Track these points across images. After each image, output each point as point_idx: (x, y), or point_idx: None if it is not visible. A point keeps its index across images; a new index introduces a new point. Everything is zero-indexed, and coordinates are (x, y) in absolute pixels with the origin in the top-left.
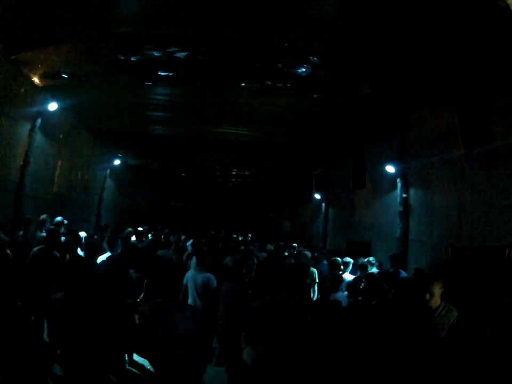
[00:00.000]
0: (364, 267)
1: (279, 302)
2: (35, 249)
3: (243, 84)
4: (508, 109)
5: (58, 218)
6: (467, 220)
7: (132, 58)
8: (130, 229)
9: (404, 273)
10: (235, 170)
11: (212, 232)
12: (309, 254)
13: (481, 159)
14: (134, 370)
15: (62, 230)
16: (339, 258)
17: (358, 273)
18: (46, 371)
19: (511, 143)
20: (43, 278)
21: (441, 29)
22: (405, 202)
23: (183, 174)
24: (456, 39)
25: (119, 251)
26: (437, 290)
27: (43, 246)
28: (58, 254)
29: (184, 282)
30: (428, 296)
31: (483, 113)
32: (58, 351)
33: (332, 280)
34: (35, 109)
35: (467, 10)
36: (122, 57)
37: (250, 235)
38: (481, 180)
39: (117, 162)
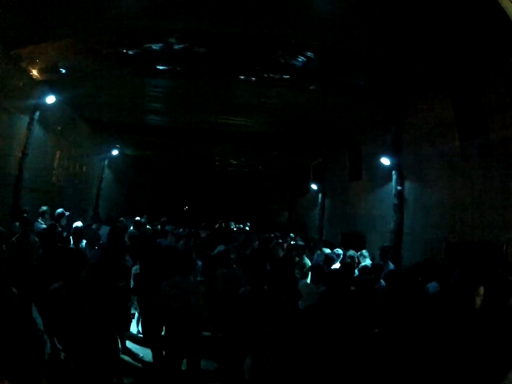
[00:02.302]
0: (352, 259)
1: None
2: (13, 238)
3: (242, 77)
4: (505, 104)
5: (59, 210)
6: (462, 215)
7: (130, 52)
8: (122, 219)
9: (391, 265)
10: (233, 160)
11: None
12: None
13: (477, 153)
14: (127, 358)
15: (64, 221)
16: (330, 251)
17: None
18: (40, 358)
19: (508, 138)
20: (22, 264)
21: (439, 21)
22: (399, 195)
23: (182, 165)
24: (453, 32)
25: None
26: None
27: (18, 234)
28: (37, 239)
29: None
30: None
31: (480, 108)
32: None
33: None
34: (33, 102)
35: (466, 4)
36: (120, 51)
37: (249, 224)
38: (477, 175)
39: (115, 152)
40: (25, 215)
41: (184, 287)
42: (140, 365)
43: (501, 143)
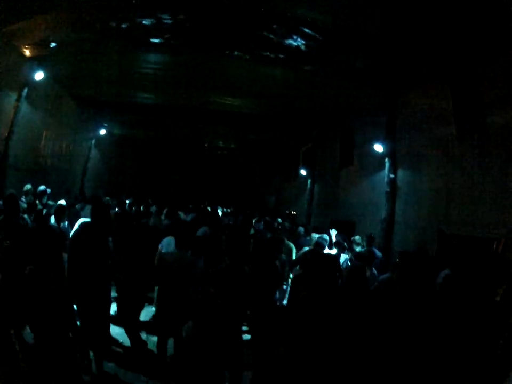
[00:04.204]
0: (339, 244)
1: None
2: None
3: (235, 53)
4: (504, 96)
5: (42, 187)
6: (456, 206)
7: (122, 26)
8: (107, 198)
9: (378, 253)
10: (222, 143)
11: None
12: (301, 229)
13: (475, 146)
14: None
15: (46, 199)
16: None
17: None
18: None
19: (507, 131)
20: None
21: (442, 10)
22: (392, 182)
23: (170, 146)
24: (457, 23)
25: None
26: None
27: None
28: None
29: (160, 246)
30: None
31: (479, 99)
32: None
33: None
34: (22, 79)
35: None
36: (112, 24)
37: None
38: (474, 168)
39: (102, 132)
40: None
41: (182, 259)
42: (120, 350)
43: (499, 137)
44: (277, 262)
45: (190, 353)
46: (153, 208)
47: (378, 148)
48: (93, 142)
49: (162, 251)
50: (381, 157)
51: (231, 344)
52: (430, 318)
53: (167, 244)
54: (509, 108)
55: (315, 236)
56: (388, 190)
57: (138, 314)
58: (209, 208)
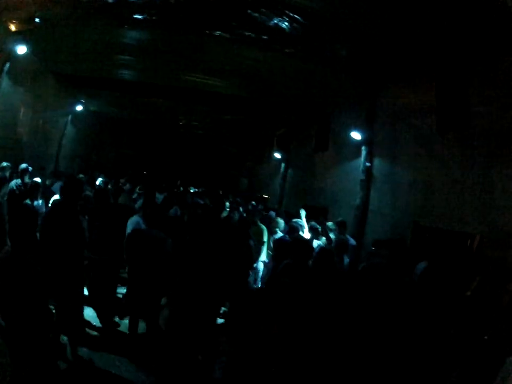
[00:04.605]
0: (313, 230)
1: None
2: None
3: (217, 33)
4: (491, 96)
5: (23, 165)
6: (434, 200)
7: (109, 1)
8: (81, 175)
9: (352, 241)
10: (197, 123)
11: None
12: (272, 213)
13: (457, 143)
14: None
15: (27, 177)
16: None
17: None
18: None
19: (491, 131)
20: None
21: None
22: (367, 171)
23: (145, 124)
24: (448, 19)
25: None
26: None
27: None
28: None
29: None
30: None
31: (464, 97)
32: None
33: None
34: (5, 54)
35: None
36: None
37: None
38: (455, 163)
39: (79, 108)
40: None
41: (152, 236)
42: (92, 333)
43: (483, 133)
44: (251, 242)
45: (164, 338)
46: (126, 187)
47: (356, 135)
48: (69, 118)
49: (129, 229)
50: (357, 144)
51: (206, 330)
52: (407, 308)
53: (134, 222)
54: (493, 105)
55: (280, 221)
56: (363, 178)
57: (111, 295)
58: (181, 188)
